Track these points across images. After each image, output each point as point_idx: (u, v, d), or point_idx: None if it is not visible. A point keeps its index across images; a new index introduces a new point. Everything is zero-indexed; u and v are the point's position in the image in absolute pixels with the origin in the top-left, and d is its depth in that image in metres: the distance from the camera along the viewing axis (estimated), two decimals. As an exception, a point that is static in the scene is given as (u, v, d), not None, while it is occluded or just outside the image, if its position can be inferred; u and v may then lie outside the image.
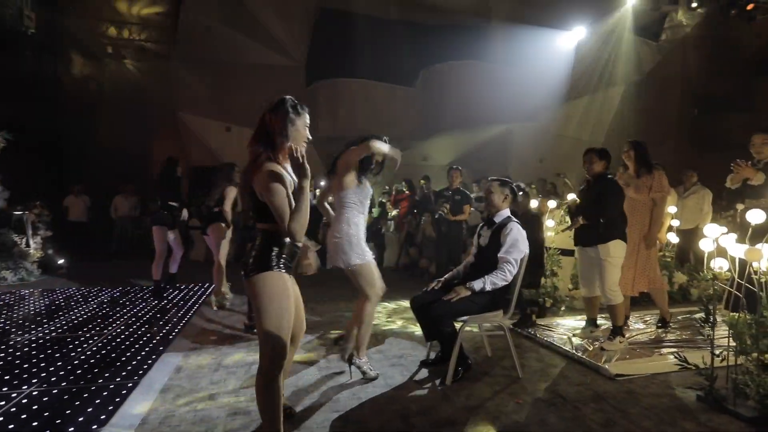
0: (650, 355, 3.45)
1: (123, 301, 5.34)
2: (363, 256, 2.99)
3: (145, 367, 3.24)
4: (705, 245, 2.79)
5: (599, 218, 3.60)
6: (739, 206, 3.45)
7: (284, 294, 1.97)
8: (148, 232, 5.69)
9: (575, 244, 4.02)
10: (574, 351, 3.52)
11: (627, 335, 3.83)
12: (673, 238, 5.42)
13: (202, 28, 11.93)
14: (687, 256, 6.03)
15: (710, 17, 12.57)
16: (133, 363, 3.31)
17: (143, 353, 3.51)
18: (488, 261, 3.16)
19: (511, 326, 3.88)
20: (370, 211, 9.20)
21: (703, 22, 12.90)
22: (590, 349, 3.57)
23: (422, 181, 8.31)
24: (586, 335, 3.87)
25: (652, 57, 13.55)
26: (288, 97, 2.06)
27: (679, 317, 4.67)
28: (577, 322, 4.36)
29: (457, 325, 3.06)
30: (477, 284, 3.02)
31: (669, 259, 5.42)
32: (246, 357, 3.51)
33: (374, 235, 8.71)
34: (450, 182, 6.52)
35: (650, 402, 2.71)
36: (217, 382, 3.04)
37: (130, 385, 2.93)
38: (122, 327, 4.22)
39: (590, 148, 3.88)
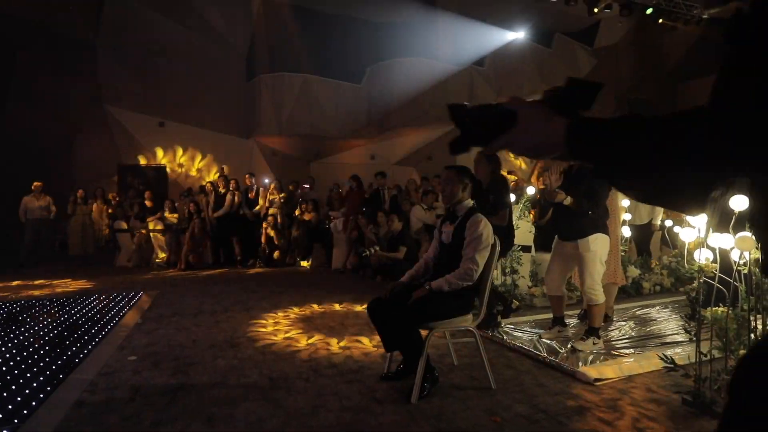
0: (622, 355, 3.24)
1: (23, 318, 4.48)
2: None
3: (34, 404, 2.55)
4: (687, 235, 2.58)
5: (589, 211, 3.22)
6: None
7: None
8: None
9: (557, 235, 3.55)
10: (545, 354, 3.24)
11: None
12: (626, 232, 5.38)
13: (130, 13, 10.85)
14: (648, 250, 6.02)
15: (639, 25, 13.25)
16: (18, 399, 2.61)
17: (35, 384, 2.81)
18: (456, 260, 2.79)
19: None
20: (317, 211, 8.65)
21: (632, 29, 13.56)
22: (562, 351, 3.31)
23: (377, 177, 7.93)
24: (554, 336, 3.61)
25: (589, 61, 14.07)
26: None
27: (637, 312, 4.61)
28: (542, 321, 4.12)
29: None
30: (435, 283, 2.70)
31: (623, 253, 5.36)
32: (191, 379, 2.90)
33: (321, 234, 8.20)
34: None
35: (637, 410, 2.45)
36: (129, 417, 2.43)
37: None
38: (14, 351, 3.45)
39: None
